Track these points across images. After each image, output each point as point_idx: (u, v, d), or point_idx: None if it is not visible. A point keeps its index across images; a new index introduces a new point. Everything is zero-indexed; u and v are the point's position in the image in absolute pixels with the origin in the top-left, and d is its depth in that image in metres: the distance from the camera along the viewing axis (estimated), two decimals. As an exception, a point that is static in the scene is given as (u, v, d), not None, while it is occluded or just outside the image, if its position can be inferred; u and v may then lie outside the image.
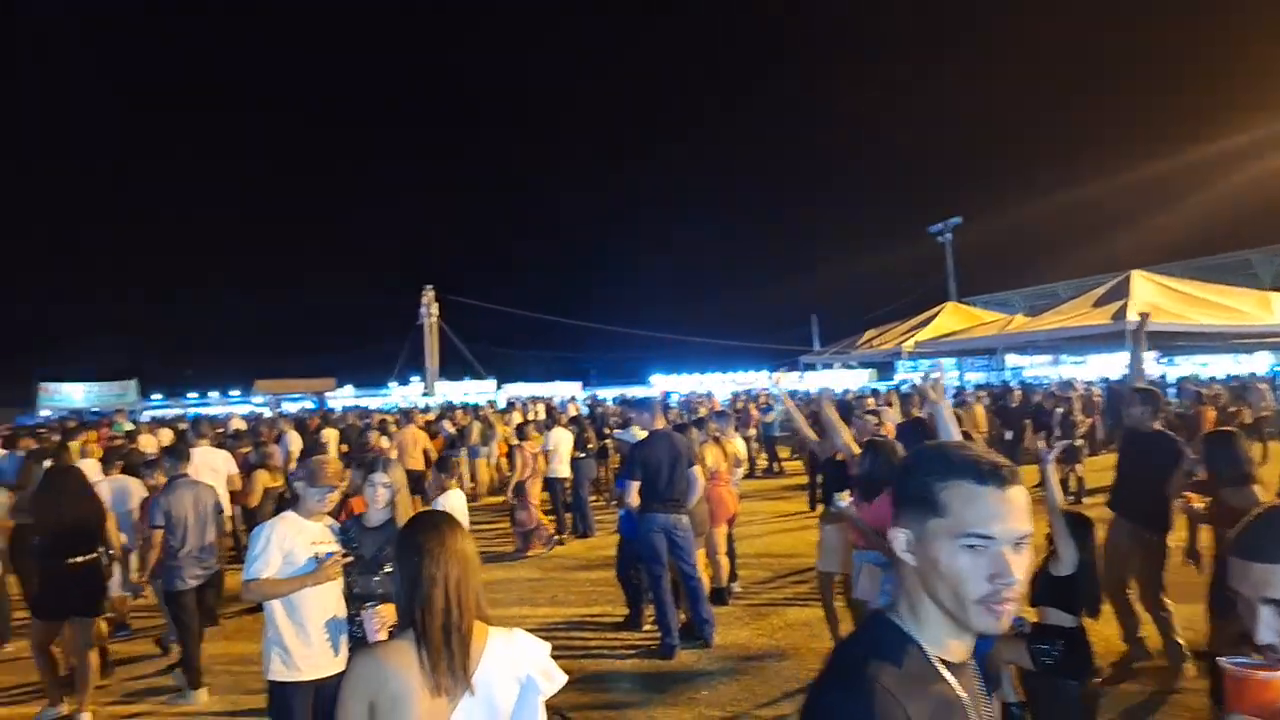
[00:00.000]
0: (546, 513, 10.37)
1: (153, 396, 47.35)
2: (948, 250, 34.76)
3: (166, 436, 14.43)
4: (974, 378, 27.38)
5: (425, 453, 11.54)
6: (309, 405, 35.88)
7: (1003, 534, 1.17)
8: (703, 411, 10.41)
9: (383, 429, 12.70)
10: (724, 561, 7.34)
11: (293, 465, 10.38)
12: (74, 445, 8.71)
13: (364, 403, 38.54)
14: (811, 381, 32.08)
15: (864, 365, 34.56)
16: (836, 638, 5.62)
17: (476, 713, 1.92)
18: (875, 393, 16.12)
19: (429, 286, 37.26)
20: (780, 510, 11.99)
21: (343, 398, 42.97)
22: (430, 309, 36.27)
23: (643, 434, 6.55)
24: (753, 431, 16.01)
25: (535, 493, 10.11)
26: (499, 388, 43.01)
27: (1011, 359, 27.89)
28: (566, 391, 38.30)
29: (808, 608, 7.03)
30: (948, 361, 26.52)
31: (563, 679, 2.06)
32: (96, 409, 35.12)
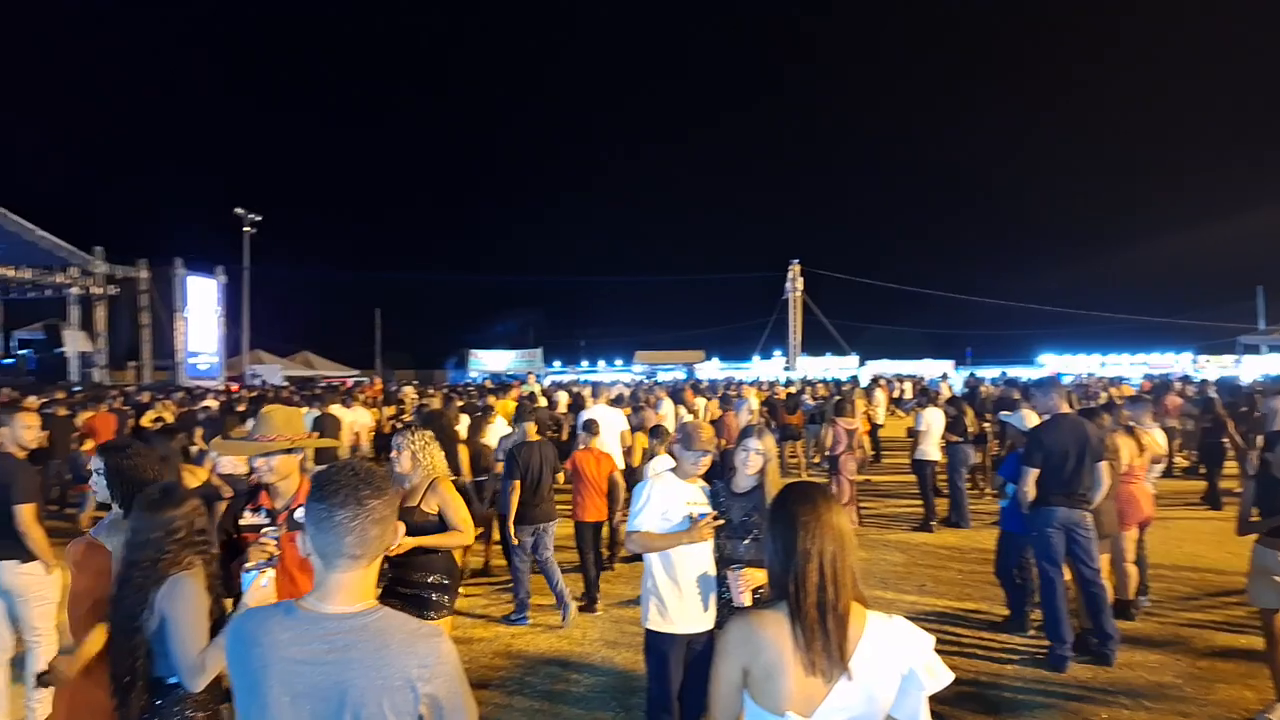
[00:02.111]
0: (912, 497, 9.83)
1: (554, 363, 54.12)
2: None
3: (564, 399, 16.51)
4: None
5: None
6: (679, 376, 38.41)
7: None
8: (1105, 397, 9.04)
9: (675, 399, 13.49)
10: (1132, 570, 6.29)
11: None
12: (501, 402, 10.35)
13: (727, 374, 40.34)
14: (1252, 368, 26.52)
15: (1328, 349, 27.59)
16: None
17: (853, 699, 1.80)
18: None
19: (795, 261, 37.39)
20: (1210, 518, 10.12)
21: (710, 370, 45.36)
22: (795, 284, 36.32)
23: (1035, 418, 5.81)
24: (1174, 423, 13.61)
25: (850, 469, 9.68)
26: (861, 364, 42.11)
27: None
28: (936, 370, 36.33)
29: (1243, 635, 5.80)
30: None
31: (948, 676, 1.87)
32: (511, 373, 41.57)
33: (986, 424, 11.80)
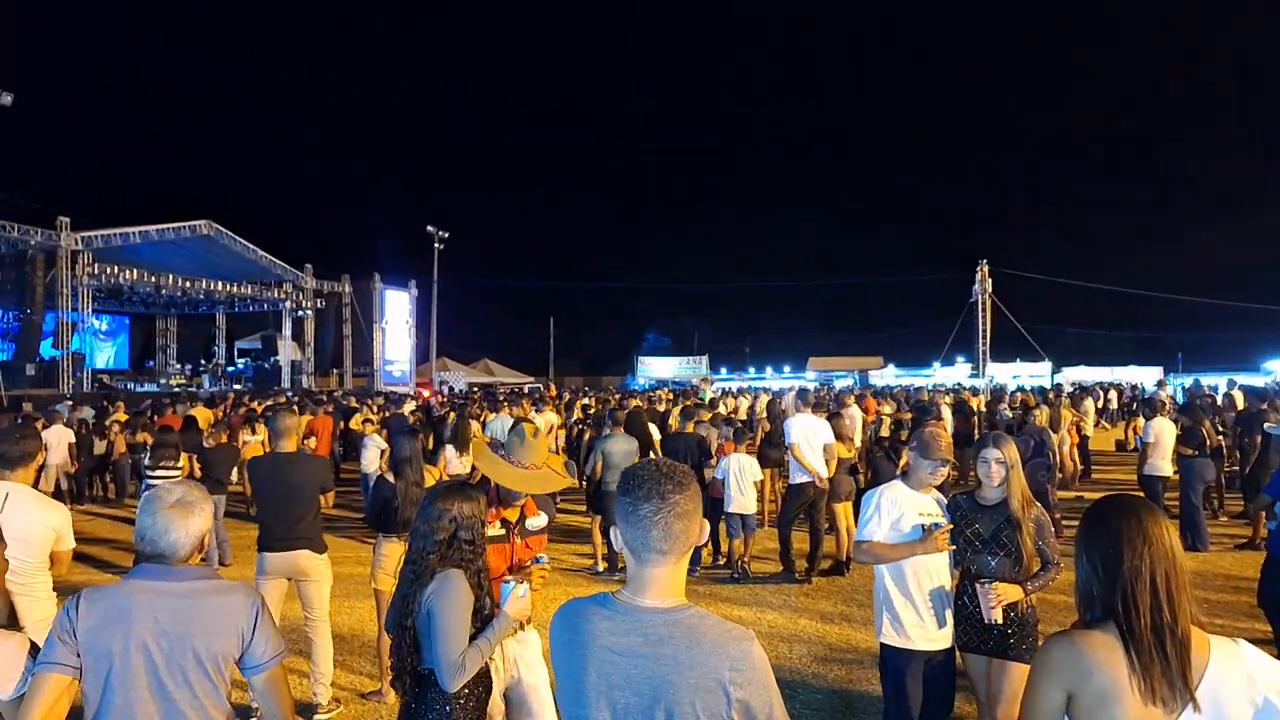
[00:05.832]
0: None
1: (719, 370, 54.13)
2: None
3: (733, 404, 16.49)
4: None
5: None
6: (850, 383, 37.39)
7: None
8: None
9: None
10: None
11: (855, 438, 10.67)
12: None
13: (905, 382, 38.88)
14: None
15: None
16: None
17: None
18: None
19: (984, 261, 35.22)
20: None
21: (886, 377, 43.86)
22: (984, 285, 34.14)
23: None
24: None
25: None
26: (1056, 370, 39.32)
27: None
28: (1141, 376, 33.47)
29: None
30: None
31: None
32: (679, 380, 42.29)
33: (1221, 436, 10.60)
